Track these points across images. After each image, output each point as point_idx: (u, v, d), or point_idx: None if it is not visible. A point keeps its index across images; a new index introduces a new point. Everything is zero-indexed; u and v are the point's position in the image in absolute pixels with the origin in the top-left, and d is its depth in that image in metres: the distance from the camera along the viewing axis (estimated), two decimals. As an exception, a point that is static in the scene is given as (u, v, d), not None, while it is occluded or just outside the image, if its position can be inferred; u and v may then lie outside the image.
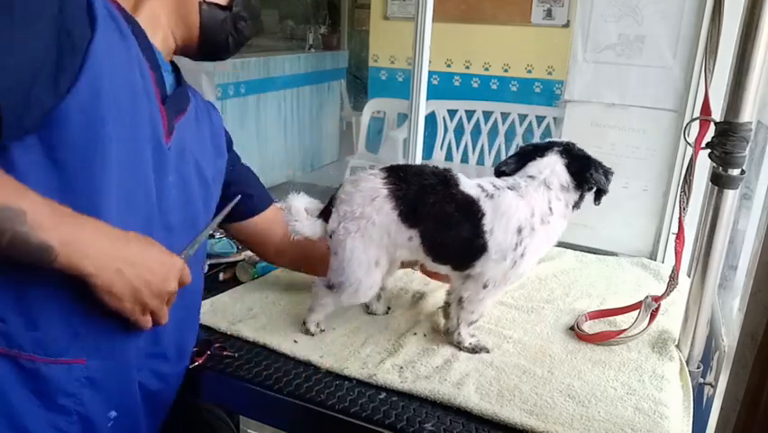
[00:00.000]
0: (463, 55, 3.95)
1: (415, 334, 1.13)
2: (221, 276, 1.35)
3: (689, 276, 1.36)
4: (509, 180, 1.05)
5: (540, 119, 3.67)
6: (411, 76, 1.90)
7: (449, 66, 4.02)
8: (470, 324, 1.08)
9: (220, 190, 1.05)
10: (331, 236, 1.03)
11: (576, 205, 1.07)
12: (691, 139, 1.05)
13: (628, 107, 1.56)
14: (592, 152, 1.08)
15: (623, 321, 1.19)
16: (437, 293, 1.27)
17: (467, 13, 3.79)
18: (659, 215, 1.58)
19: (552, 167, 1.05)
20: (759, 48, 0.92)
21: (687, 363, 1.08)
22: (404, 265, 1.16)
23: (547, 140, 1.11)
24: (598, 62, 1.56)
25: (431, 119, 3.79)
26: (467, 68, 4.00)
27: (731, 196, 0.99)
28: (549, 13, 3.70)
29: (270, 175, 3.92)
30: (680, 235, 1.07)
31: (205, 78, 3.19)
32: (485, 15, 3.79)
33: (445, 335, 1.12)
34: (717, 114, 1.04)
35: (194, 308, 1.05)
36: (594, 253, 1.59)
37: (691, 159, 1.04)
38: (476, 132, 3.86)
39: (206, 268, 1.29)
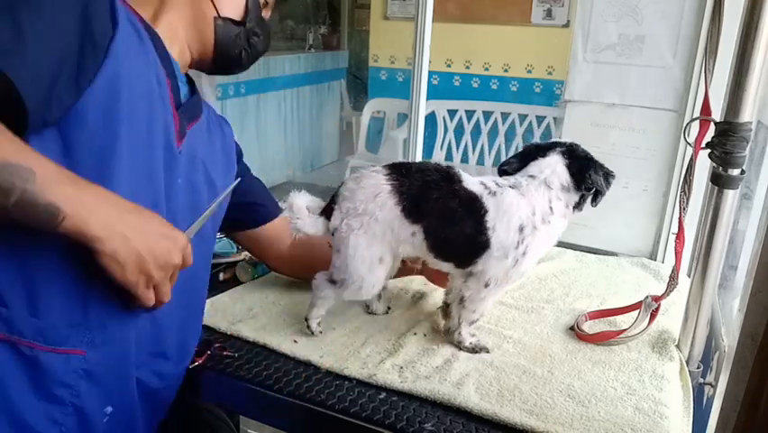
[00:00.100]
0: (463, 55, 3.95)
1: (415, 334, 1.13)
2: (221, 276, 1.35)
3: (689, 276, 1.36)
4: (511, 179, 1.05)
5: (540, 119, 3.67)
6: (411, 76, 1.90)
7: (449, 66, 4.02)
8: (472, 323, 1.08)
9: (228, 203, 1.07)
10: (333, 233, 1.03)
11: (577, 206, 1.07)
12: (691, 139, 1.05)
13: (628, 107, 1.56)
14: (592, 152, 1.08)
15: (623, 321, 1.19)
16: (437, 293, 1.27)
17: (467, 13, 3.79)
18: (659, 215, 1.58)
19: (553, 167, 1.05)
20: (759, 48, 0.92)
21: (687, 363, 1.08)
22: (404, 264, 1.15)
23: (551, 140, 1.11)
24: (598, 62, 1.56)
25: (431, 119, 3.79)
26: (467, 68, 4.00)
27: (731, 196, 0.99)
28: (549, 13, 3.70)
29: (270, 175, 3.93)
30: (680, 235, 1.07)
31: (205, 77, 3.19)
32: (485, 15, 3.80)
33: (445, 334, 1.12)
34: (717, 114, 1.04)
35: (197, 308, 1.05)
36: (594, 253, 1.59)
37: (691, 159, 1.04)
38: (476, 132, 3.86)
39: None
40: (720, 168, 0.98)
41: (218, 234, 1.43)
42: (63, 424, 0.78)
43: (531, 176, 1.05)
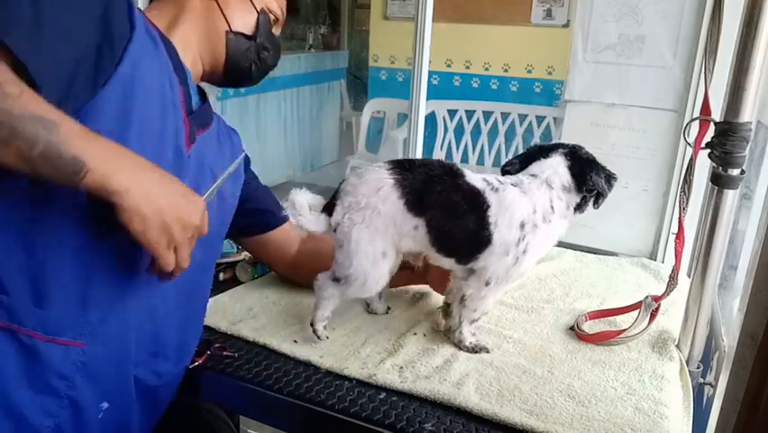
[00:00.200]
0: (463, 55, 3.95)
1: (415, 334, 1.13)
2: (221, 276, 1.35)
3: (689, 276, 1.36)
4: (513, 178, 1.06)
5: (540, 119, 3.67)
6: (411, 76, 1.90)
7: (449, 66, 4.02)
8: (472, 322, 1.08)
9: (235, 209, 1.08)
10: (335, 229, 1.02)
11: (578, 207, 1.06)
12: (691, 139, 1.05)
13: (628, 107, 1.56)
14: (592, 152, 1.08)
15: (623, 321, 1.19)
16: (437, 293, 1.27)
17: (467, 13, 3.79)
18: (659, 215, 1.58)
19: (555, 167, 1.05)
20: (759, 48, 0.92)
21: (687, 363, 1.09)
22: (406, 270, 1.15)
23: (555, 142, 1.11)
24: (598, 62, 1.56)
25: (431, 119, 3.79)
26: (467, 68, 4.00)
27: (731, 196, 0.99)
28: (549, 13, 3.70)
29: (270, 175, 3.92)
30: (680, 235, 1.07)
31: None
32: (485, 15, 3.79)
33: (445, 334, 1.12)
34: (717, 114, 1.04)
35: (198, 310, 1.05)
36: (594, 253, 1.59)
37: (691, 159, 1.04)
38: (476, 132, 3.86)
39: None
40: (720, 168, 0.98)
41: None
42: (58, 416, 0.78)
43: (533, 175, 1.05)
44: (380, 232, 1.00)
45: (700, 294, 1.05)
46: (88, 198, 0.71)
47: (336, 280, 1.04)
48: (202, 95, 1.00)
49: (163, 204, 0.74)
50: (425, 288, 1.31)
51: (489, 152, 3.82)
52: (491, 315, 1.20)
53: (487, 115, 3.83)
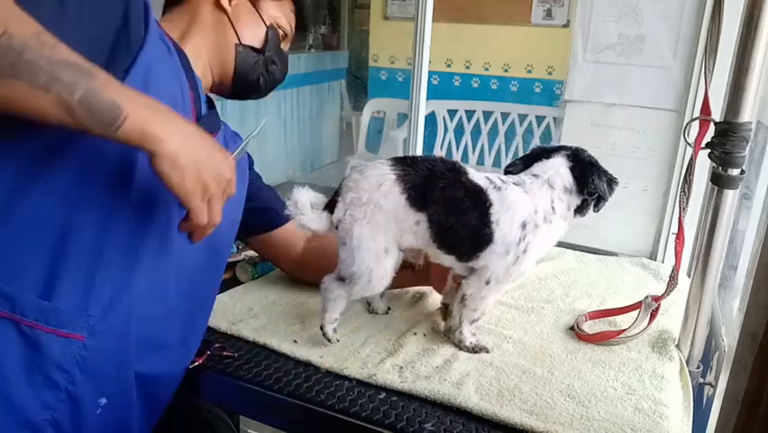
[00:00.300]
0: (463, 55, 3.95)
1: (415, 334, 1.13)
2: (221, 276, 1.36)
3: (689, 276, 1.36)
4: (514, 177, 1.06)
5: (540, 119, 3.67)
6: (411, 76, 1.90)
7: (449, 66, 4.02)
8: (473, 322, 1.08)
9: (241, 213, 1.09)
10: (337, 226, 1.02)
11: (579, 210, 1.06)
12: (691, 139, 1.05)
13: (628, 107, 1.56)
14: (592, 152, 1.09)
15: (623, 321, 1.19)
16: (437, 293, 1.27)
17: (467, 13, 3.79)
18: (659, 215, 1.58)
19: (557, 168, 1.05)
20: (759, 48, 0.92)
21: (687, 363, 1.09)
22: (409, 269, 1.15)
23: (558, 144, 1.11)
24: (598, 62, 1.56)
25: (431, 119, 3.79)
26: (467, 68, 4.00)
27: (731, 196, 0.99)
28: (549, 13, 3.70)
29: (271, 175, 3.90)
30: (680, 235, 1.07)
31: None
32: (485, 15, 3.79)
33: (445, 334, 1.12)
34: (717, 114, 1.04)
35: (202, 310, 1.05)
36: (594, 253, 1.59)
37: (691, 159, 1.04)
38: (476, 132, 3.86)
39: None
40: (720, 168, 0.98)
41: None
42: (55, 409, 0.78)
43: (535, 175, 1.05)
44: (382, 228, 1.00)
45: (700, 294, 1.05)
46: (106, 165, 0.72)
47: (341, 279, 1.04)
48: (210, 104, 1.02)
49: (198, 154, 0.74)
50: (425, 288, 1.31)
51: (489, 152, 3.82)
52: (491, 315, 1.20)
53: (487, 115, 3.83)
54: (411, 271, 1.19)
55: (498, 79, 3.94)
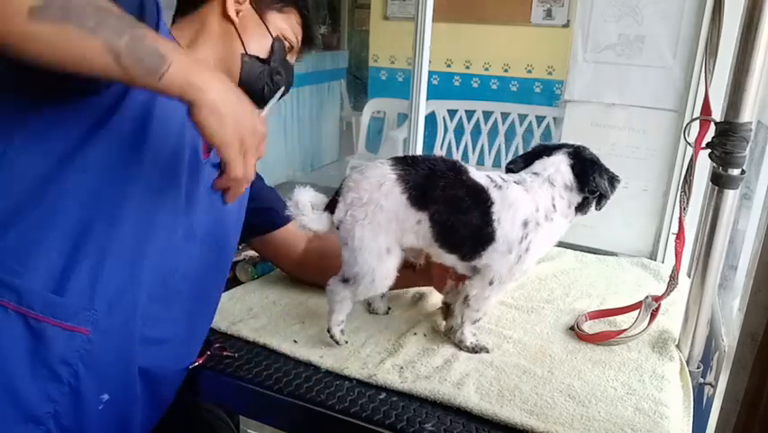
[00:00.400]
0: (463, 55, 3.95)
1: (415, 334, 1.13)
2: (221, 276, 1.35)
3: (689, 276, 1.36)
4: (515, 176, 1.06)
5: (540, 119, 3.67)
6: (411, 76, 1.90)
7: (449, 66, 4.02)
8: (474, 322, 1.08)
9: (245, 212, 1.10)
10: (338, 227, 1.02)
11: (580, 208, 1.06)
12: (691, 139, 1.05)
13: (628, 107, 1.56)
14: (593, 151, 1.08)
15: (623, 321, 1.19)
16: (437, 293, 1.27)
17: (467, 13, 3.79)
18: (659, 215, 1.58)
19: (557, 165, 1.05)
20: (759, 48, 0.92)
21: (687, 363, 1.09)
22: (410, 269, 1.15)
23: (560, 142, 1.11)
24: (598, 62, 1.56)
25: (431, 119, 3.79)
26: (467, 68, 4.00)
27: (731, 196, 0.99)
28: (549, 13, 3.70)
29: (271, 175, 3.90)
30: (680, 235, 1.07)
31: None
32: (485, 15, 3.79)
33: (446, 334, 1.12)
34: (717, 114, 1.04)
35: (207, 306, 1.05)
36: (594, 253, 1.59)
37: (691, 159, 1.04)
38: (476, 132, 3.86)
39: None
40: (720, 168, 0.98)
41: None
42: (58, 402, 0.78)
43: (535, 173, 1.05)
44: (383, 227, 1.00)
45: (700, 294, 1.05)
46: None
47: (346, 280, 1.04)
48: None
49: (236, 107, 0.75)
50: (425, 288, 1.31)
51: (489, 152, 3.82)
52: (491, 315, 1.20)
53: (487, 115, 3.83)
54: (412, 271, 1.19)
55: (498, 79, 3.94)
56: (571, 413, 0.91)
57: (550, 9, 3.69)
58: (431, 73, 1.92)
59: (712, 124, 1.00)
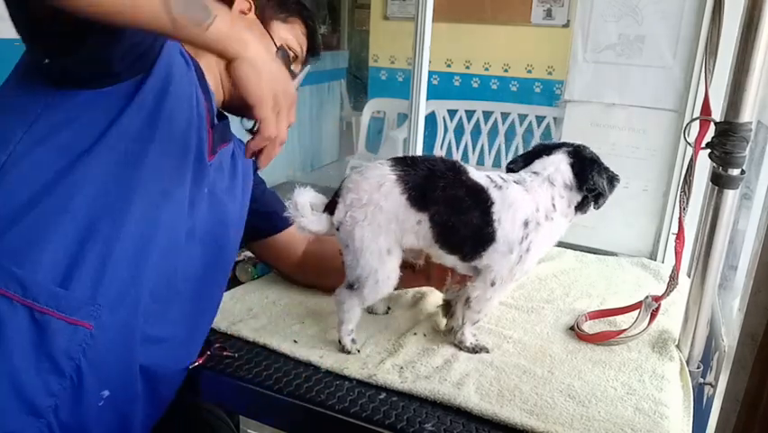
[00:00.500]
0: (463, 55, 3.95)
1: (415, 334, 1.13)
2: (221, 276, 1.35)
3: (689, 276, 1.36)
4: (515, 175, 1.06)
5: (540, 119, 3.67)
6: (411, 76, 1.90)
7: (449, 66, 4.02)
8: (475, 323, 1.08)
9: (246, 214, 1.11)
10: (338, 229, 1.01)
11: (580, 207, 1.06)
12: (691, 139, 1.05)
13: (628, 107, 1.56)
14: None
15: (623, 321, 1.19)
16: (437, 293, 1.27)
17: (467, 13, 3.79)
18: (659, 215, 1.58)
19: (557, 165, 1.05)
20: (759, 48, 0.92)
21: (687, 363, 1.09)
22: (410, 269, 1.15)
23: (560, 141, 1.11)
24: (598, 62, 1.56)
25: (431, 119, 3.79)
26: (467, 68, 4.00)
27: (731, 196, 0.99)
28: (549, 13, 3.70)
29: (271, 175, 3.88)
30: (680, 235, 1.07)
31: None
32: (485, 15, 3.79)
33: (446, 334, 1.12)
34: (717, 114, 1.04)
35: (209, 305, 1.05)
36: (594, 253, 1.59)
37: (691, 159, 1.04)
38: (476, 132, 3.86)
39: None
40: (720, 168, 0.98)
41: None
42: (58, 396, 0.78)
43: (535, 172, 1.05)
44: (383, 228, 1.00)
45: (700, 294, 1.05)
46: None
47: (351, 286, 1.03)
48: (221, 116, 1.04)
49: (273, 66, 0.77)
50: (425, 288, 1.31)
51: (489, 152, 3.82)
52: (491, 315, 1.20)
53: (487, 115, 3.83)
54: (411, 272, 1.19)
55: (498, 79, 3.94)
56: (571, 413, 0.91)
57: (550, 9, 3.69)
58: (431, 73, 1.92)
59: (712, 124, 1.00)
